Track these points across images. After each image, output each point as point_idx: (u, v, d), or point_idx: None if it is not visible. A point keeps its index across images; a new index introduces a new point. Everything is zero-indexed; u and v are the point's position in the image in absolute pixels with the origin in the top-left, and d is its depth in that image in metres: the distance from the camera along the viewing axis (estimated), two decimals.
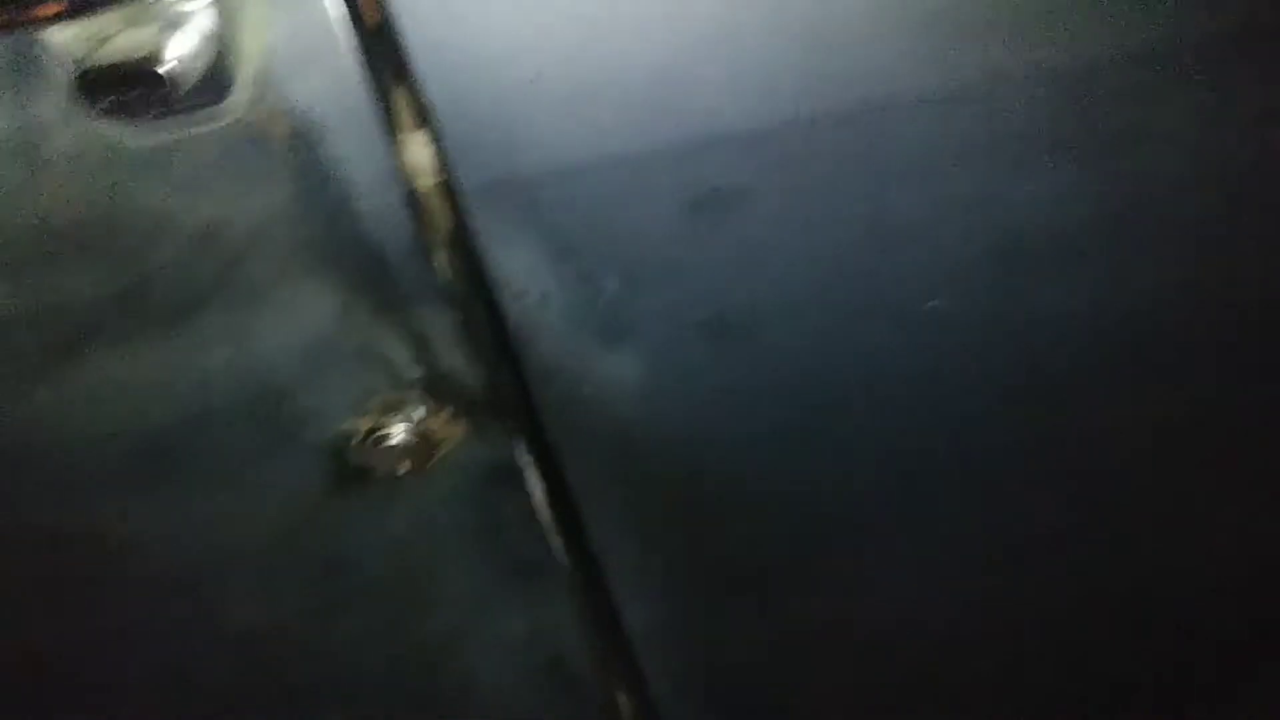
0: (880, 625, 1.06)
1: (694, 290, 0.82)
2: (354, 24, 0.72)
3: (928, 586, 1.02)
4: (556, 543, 0.96)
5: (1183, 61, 0.72)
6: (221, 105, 0.72)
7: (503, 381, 0.86)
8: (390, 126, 0.74)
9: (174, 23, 0.68)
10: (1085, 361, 0.83)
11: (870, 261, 0.79)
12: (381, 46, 0.73)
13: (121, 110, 0.69)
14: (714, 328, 0.83)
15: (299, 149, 0.74)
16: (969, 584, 1.02)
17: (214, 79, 0.70)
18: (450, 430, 0.88)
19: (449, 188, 0.76)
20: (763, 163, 0.76)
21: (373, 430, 0.87)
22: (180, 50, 0.67)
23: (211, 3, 0.69)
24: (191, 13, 0.69)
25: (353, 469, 0.88)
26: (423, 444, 0.87)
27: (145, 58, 0.66)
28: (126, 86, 0.66)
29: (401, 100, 0.74)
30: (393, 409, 0.86)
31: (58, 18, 0.69)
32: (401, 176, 0.76)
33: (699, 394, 0.87)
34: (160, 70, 0.65)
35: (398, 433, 0.86)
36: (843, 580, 1.03)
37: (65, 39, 0.69)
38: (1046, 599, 0.99)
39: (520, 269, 0.80)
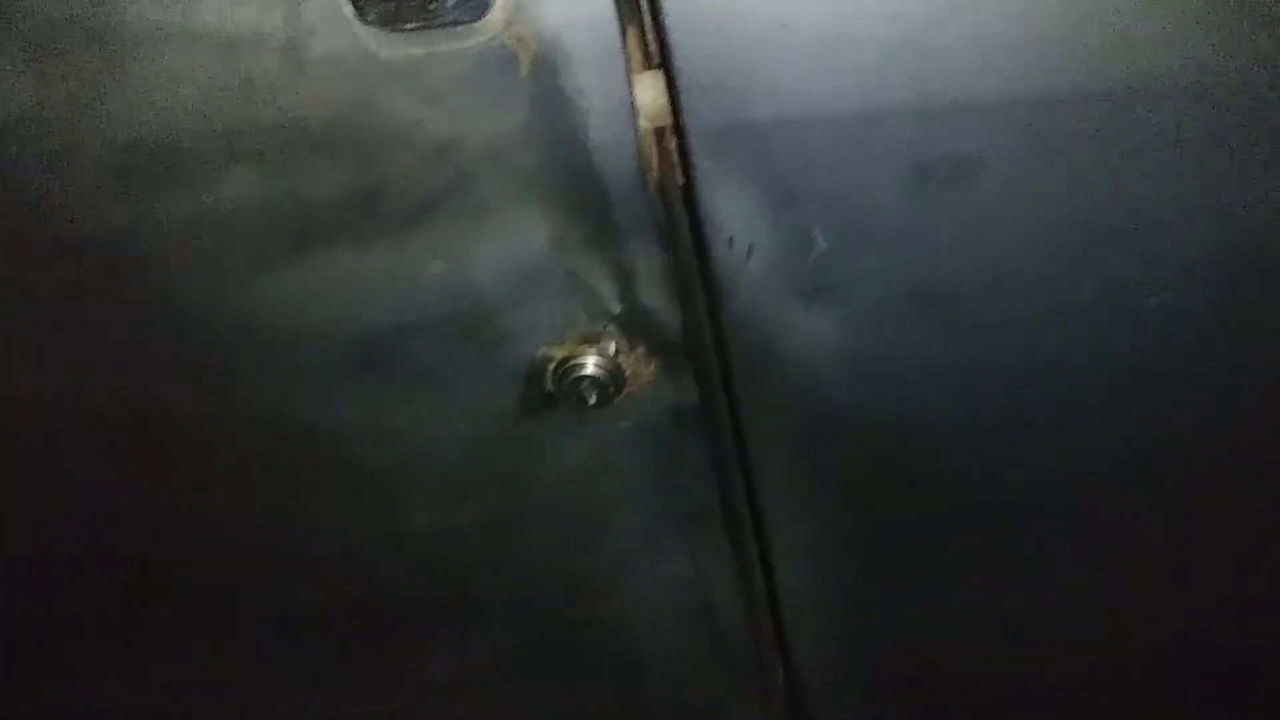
0: (1038, 619, 1.05)
1: (907, 257, 0.82)
2: None
3: (1094, 584, 1.01)
4: (726, 493, 0.97)
5: None
6: (477, 23, 0.74)
7: (698, 326, 0.88)
8: (631, 61, 0.76)
9: None
10: None
11: (1095, 248, 0.78)
12: None
13: (388, 17, 0.72)
14: (922, 297, 0.83)
15: (543, 74, 0.76)
16: (1139, 589, 1.01)
17: None
18: (641, 369, 0.90)
19: (679, 128, 0.78)
20: (1000, 134, 0.76)
21: (567, 359, 0.89)
22: None
23: None
24: None
25: (544, 394, 0.91)
26: (613, 379, 0.89)
27: None
28: None
29: (645, 37, 0.75)
30: (589, 341, 0.89)
31: None
32: (636, 112, 0.77)
33: (895, 363, 0.87)
34: None
35: (590, 365, 0.89)
36: (1008, 569, 1.02)
37: None
38: (1220, 602, 0.97)
39: (736, 215, 0.81)
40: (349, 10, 0.74)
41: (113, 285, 0.86)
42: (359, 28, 0.75)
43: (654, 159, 0.79)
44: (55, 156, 0.80)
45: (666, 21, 0.74)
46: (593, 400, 0.89)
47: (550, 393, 0.91)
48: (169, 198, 0.82)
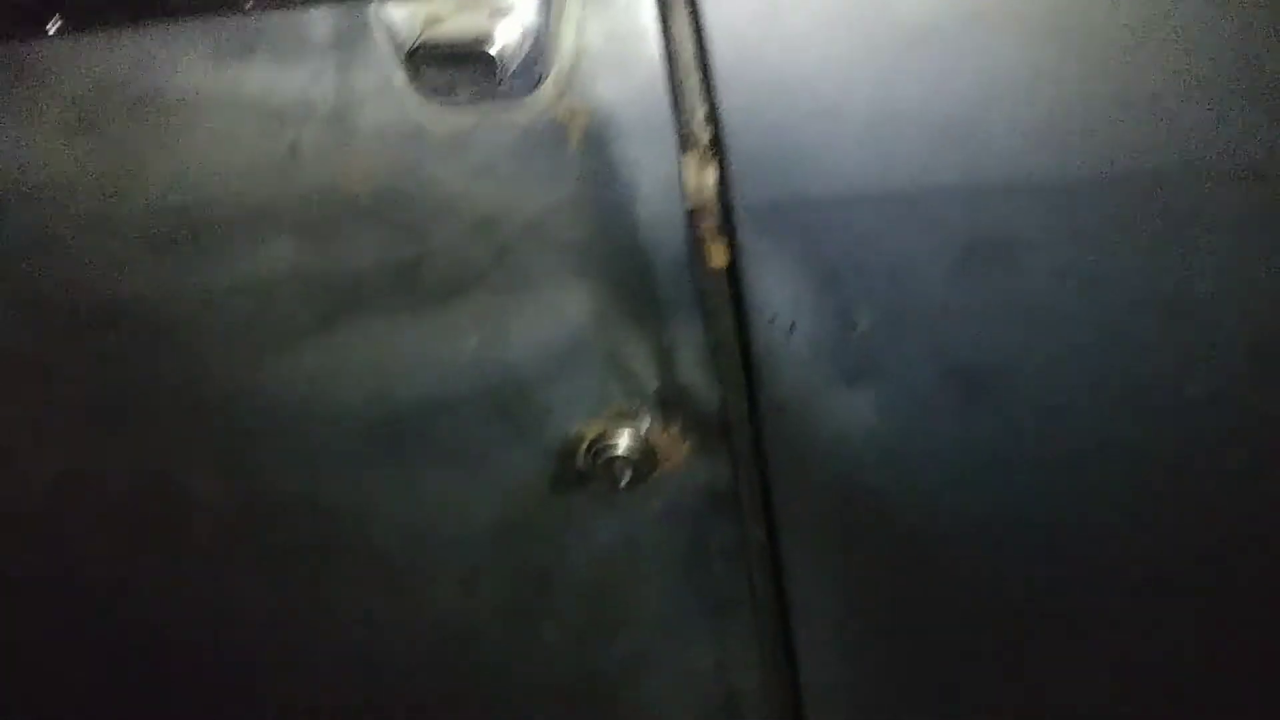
0: None
1: (948, 337, 0.81)
2: (663, 33, 0.74)
3: (1133, 694, 0.99)
4: (755, 581, 0.95)
5: None
6: (530, 96, 0.74)
7: (735, 406, 0.87)
8: (681, 138, 0.76)
9: (501, 11, 0.71)
10: None
11: (1140, 335, 0.78)
12: (686, 58, 0.74)
13: (442, 88, 0.72)
14: (960, 377, 0.83)
15: (592, 148, 0.76)
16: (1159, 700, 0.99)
17: (528, 70, 0.73)
18: (675, 448, 0.89)
19: (725, 205, 0.78)
20: (1048, 216, 0.76)
21: (600, 438, 0.87)
22: (506, 38, 0.70)
23: None
24: (515, 4, 0.72)
25: (575, 474, 0.89)
26: (646, 458, 0.88)
27: (476, 39, 0.69)
28: (454, 65, 0.70)
29: (696, 113, 0.76)
30: (624, 418, 0.87)
31: None
32: (682, 188, 0.77)
33: (930, 447, 0.86)
34: (490, 52, 0.68)
35: (623, 443, 0.87)
36: (1028, 672, 1.00)
37: (398, 16, 0.72)
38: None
39: (779, 293, 0.81)
40: (399, 80, 0.74)
41: (139, 358, 0.85)
42: (409, 99, 0.74)
43: (701, 234, 0.79)
44: (92, 222, 0.80)
45: (718, 99, 0.75)
46: (625, 480, 0.88)
47: (581, 471, 0.89)
48: (205, 266, 0.81)
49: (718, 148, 0.76)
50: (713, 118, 0.76)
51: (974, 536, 0.91)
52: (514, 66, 0.71)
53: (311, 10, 0.74)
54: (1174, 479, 0.84)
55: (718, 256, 0.79)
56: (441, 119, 0.76)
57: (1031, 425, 0.84)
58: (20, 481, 0.89)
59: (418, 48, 0.70)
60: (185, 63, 0.76)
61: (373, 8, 0.74)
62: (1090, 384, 0.82)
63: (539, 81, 0.74)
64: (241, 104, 0.76)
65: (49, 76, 0.77)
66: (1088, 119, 0.73)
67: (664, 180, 0.77)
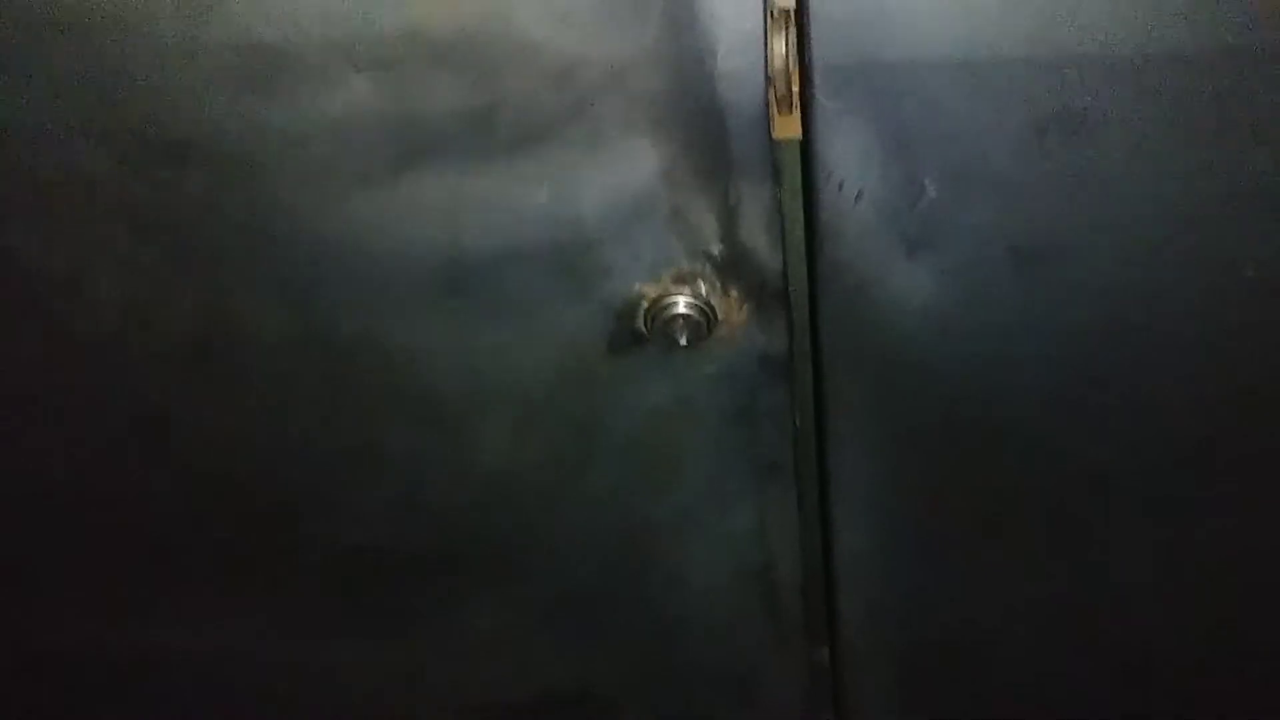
0: (1090, 609, 1.05)
1: (1013, 210, 0.82)
2: None
3: (1152, 578, 1.01)
4: (802, 446, 0.97)
5: None
6: None
7: (797, 271, 0.87)
8: None
9: None
10: None
11: (1210, 213, 0.79)
12: None
13: None
14: (1022, 253, 0.84)
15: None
16: (1197, 581, 1.01)
17: None
18: (733, 311, 0.90)
19: (804, 65, 0.78)
20: (1123, 90, 0.76)
21: (661, 298, 0.89)
22: None
23: None
24: None
25: (632, 333, 0.91)
26: (703, 320, 0.89)
27: None
28: None
29: None
30: (684, 280, 0.88)
31: None
32: (763, 45, 0.77)
33: (985, 319, 0.88)
34: None
35: (682, 305, 0.88)
36: (1067, 552, 1.02)
37: None
38: None
39: (847, 158, 0.81)
40: None
41: (210, 193, 0.85)
42: None
43: (778, 93, 0.79)
44: (171, 53, 0.80)
45: None
46: (684, 340, 0.89)
47: (639, 331, 0.90)
48: (281, 105, 0.81)
49: (800, 8, 0.76)
50: None
51: (1021, 414, 0.93)
52: None
53: None
54: (1231, 361, 0.85)
55: (785, 127, 0.79)
56: None
57: (1090, 302, 0.86)
58: (89, 309, 0.91)
59: None
60: None
61: None
62: (1153, 261, 0.83)
63: None
64: None
65: None
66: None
67: (746, 37, 0.77)
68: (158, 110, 0.82)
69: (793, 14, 0.75)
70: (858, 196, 0.83)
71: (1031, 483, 0.96)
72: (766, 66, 0.77)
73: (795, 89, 0.76)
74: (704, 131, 0.81)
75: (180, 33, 0.79)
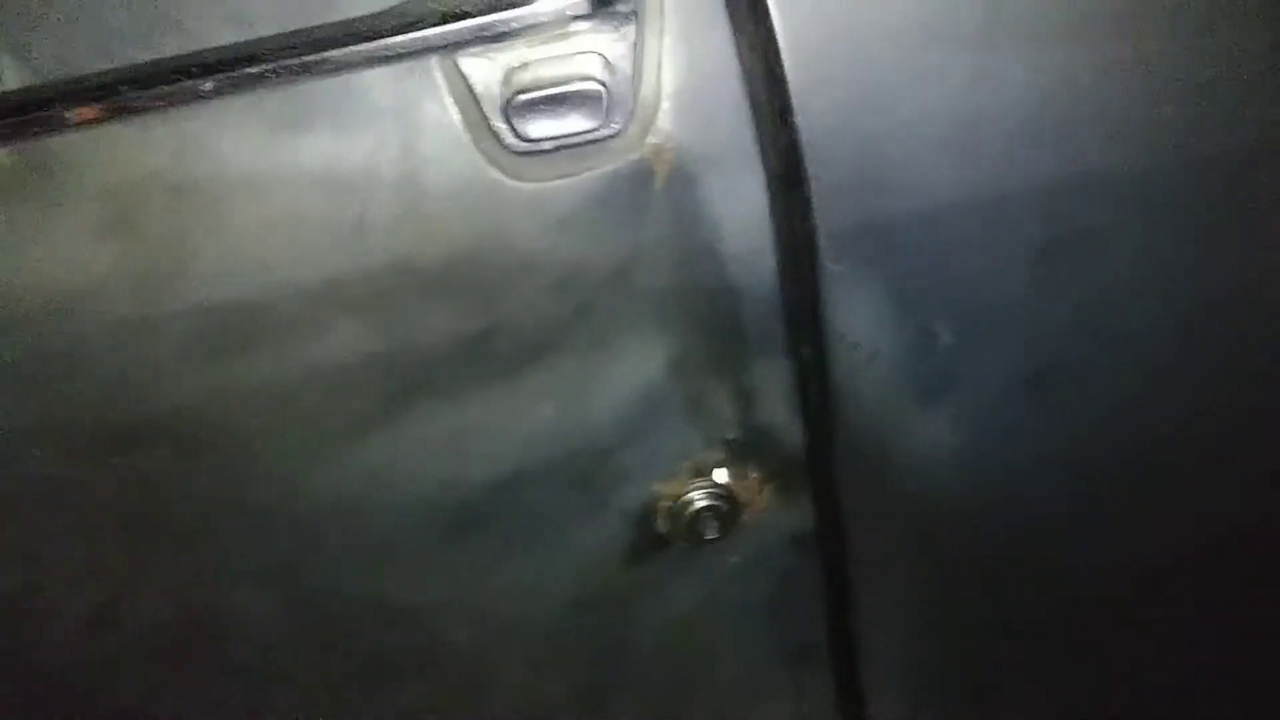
0: None
1: (1027, 340, 0.81)
2: (740, 66, 0.72)
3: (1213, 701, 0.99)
4: (836, 623, 0.92)
5: None
6: (615, 139, 0.71)
7: (814, 445, 0.84)
8: (765, 169, 0.74)
9: (585, 51, 0.68)
10: None
11: (1227, 322, 0.79)
12: (764, 90, 0.73)
13: (542, 136, 0.68)
14: (1040, 383, 0.83)
15: (677, 187, 0.73)
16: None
17: (613, 111, 0.70)
18: (756, 495, 0.86)
19: (809, 232, 0.76)
20: (1125, 205, 0.77)
21: (680, 495, 0.84)
22: (603, 76, 0.67)
23: (618, 36, 0.69)
24: (596, 45, 0.69)
25: (654, 537, 0.85)
26: (727, 510, 0.85)
27: (578, 80, 0.66)
28: (557, 109, 0.66)
29: (778, 142, 0.74)
30: (703, 473, 0.84)
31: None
32: (768, 221, 0.75)
33: (1017, 460, 0.86)
34: (596, 90, 0.65)
35: (702, 499, 0.84)
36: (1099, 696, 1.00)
37: (472, 68, 0.69)
38: None
39: (860, 318, 0.79)
40: (469, 137, 0.70)
41: (182, 471, 0.77)
42: (482, 154, 0.70)
43: (787, 266, 0.77)
44: (131, 330, 0.72)
45: (798, 127, 0.73)
46: (710, 535, 0.84)
47: (660, 534, 0.85)
48: (258, 360, 0.74)
49: (800, 174, 0.74)
50: (793, 147, 0.74)
51: (1042, 549, 0.91)
52: (600, 109, 0.68)
53: (369, 71, 0.70)
54: (1260, 484, 0.85)
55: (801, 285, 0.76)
56: (520, 172, 0.72)
57: (1105, 422, 0.85)
58: (50, 620, 0.80)
59: (514, 95, 0.66)
60: (232, 142, 0.70)
61: (435, 62, 0.70)
62: (1168, 376, 0.83)
63: (624, 123, 0.71)
64: (300, 180, 0.70)
65: (75, 169, 0.69)
66: (1157, 109, 0.74)
67: (755, 214, 0.75)
68: (115, 394, 0.74)
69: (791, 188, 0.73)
70: (872, 356, 0.80)
71: (1078, 630, 0.93)
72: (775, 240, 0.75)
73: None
74: (715, 317, 0.78)
75: (139, 309, 0.71)
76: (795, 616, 0.91)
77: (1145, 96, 0.74)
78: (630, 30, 0.70)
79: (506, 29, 0.68)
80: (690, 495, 0.84)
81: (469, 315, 0.75)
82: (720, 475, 0.84)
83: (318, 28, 0.69)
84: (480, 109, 0.69)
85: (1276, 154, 0.75)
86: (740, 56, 0.72)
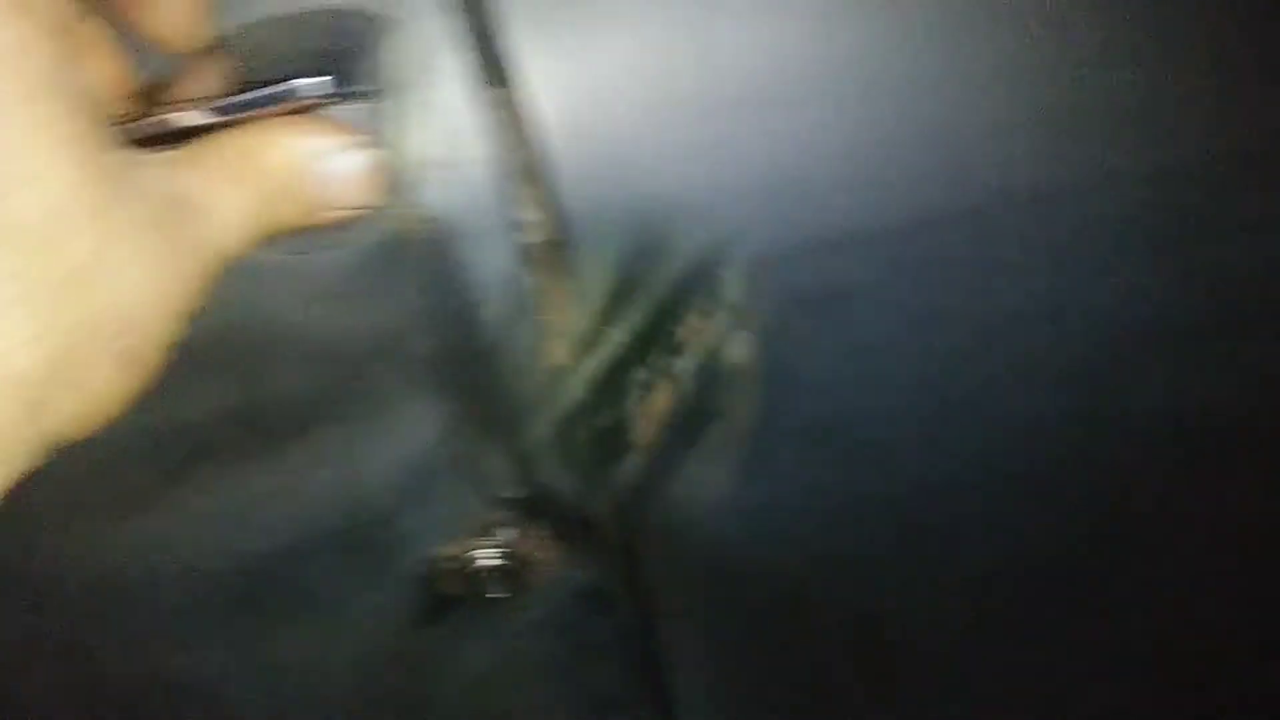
0: None
1: (794, 395, 0.84)
2: (496, 130, 0.74)
3: None
4: (640, 673, 0.94)
5: None
6: (366, 209, 0.72)
7: (597, 499, 0.86)
8: (524, 233, 0.76)
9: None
10: (1192, 463, 0.87)
11: (976, 363, 0.83)
12: (518, 156, 0.75)
13: None
14: (814, 434, 0.86)
15: (435, 255, 0.75)
16: None
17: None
18: (543, 552, 0.87)
19: (570, 295, 0.78)
20: (870, 263, 0.80)
21: (462, 555, 0.85)
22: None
23: (369, 106, 0.71)
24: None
25: (441, 597, 0.86)
26: (514, 568, 0.86)
27: None
28: None
29: (535, 207, 0.76)
30: (486, 531, 0.85)
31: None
32: (528, 284, 0.77)
33: (792, 508, 0.88)
34: None
35: (488, 558, 0.85)
36: None
37: None
38: None
39: None
40: None
41: None
42: None
43: (548, 326, 0.79)
44: None
45: (551, 192, 0.75)
46: (496, 593, 0.85)
47: (448, 595, 0.86)
48: None
49: (560, 240, 0.77)
50: (551, 211, 0.76)
51: (841, 590, 0.93)
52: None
53: None
54: (1032, 495, 0.89)
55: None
56: (272, 249, 0.72)
57: (882, 468, 0.88)
58: None
59: None
60: None
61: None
62: (924, 414, 0.86)
63: (375, 194, 0.72)
64: None
65: None
66: (895, 166, 0.78)
67: (505, 280, 0.77)
68: None
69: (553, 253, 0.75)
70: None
71: (869, 651, 0.96)
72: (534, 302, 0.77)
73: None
74: (484, 381, 0.79)
75: None
76: (595, 671, 0.92)
77: (881, 154, 0.78)
78: (379, 106, 0.71)
79: None
80: (473, 555, 0.85)
81: (233, 389, 0.75)
82: (505, 534, 0.85)
83: None
84: None
85: (1015, 201, 0.79)
86: (497, 124, 0.74)
